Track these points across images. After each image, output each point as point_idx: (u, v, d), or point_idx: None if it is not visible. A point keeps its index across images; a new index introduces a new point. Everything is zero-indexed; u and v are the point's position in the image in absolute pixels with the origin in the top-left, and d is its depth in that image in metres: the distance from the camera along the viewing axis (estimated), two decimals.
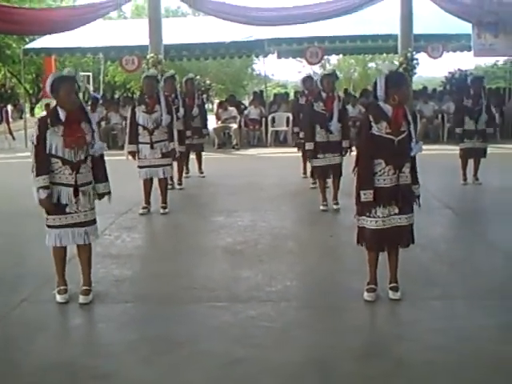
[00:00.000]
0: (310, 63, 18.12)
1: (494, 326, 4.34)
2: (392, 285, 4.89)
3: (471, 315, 4.57)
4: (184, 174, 10.47)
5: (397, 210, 4.68)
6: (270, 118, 17.21)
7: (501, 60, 30.00)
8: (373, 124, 4.63)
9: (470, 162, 9.92)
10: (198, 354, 3.99)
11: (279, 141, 17.42)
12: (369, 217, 4.72)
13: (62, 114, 4.70)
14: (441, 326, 4.35)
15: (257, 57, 24.63)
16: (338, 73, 8.79)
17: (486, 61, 36.84)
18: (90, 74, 23.56)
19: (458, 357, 3.88)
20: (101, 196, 4.99)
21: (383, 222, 4.68)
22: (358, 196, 4.69)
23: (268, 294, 5.05)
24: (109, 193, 5.02)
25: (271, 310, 4.72)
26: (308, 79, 9.86)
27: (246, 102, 21.69)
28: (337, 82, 8.16)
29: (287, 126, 16.81)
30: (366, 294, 4.87)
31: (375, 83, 4.70)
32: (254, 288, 5.18)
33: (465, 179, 9.92)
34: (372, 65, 37.97)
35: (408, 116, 4.69)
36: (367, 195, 4.64)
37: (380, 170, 4.66)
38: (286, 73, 70.09)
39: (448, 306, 4.77)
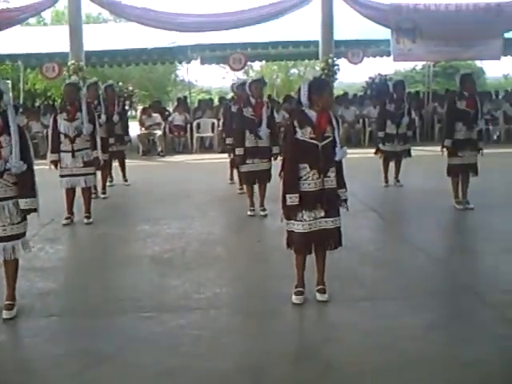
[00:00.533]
0: (234, 69, 18.18)
1: (420, 325, 4.45)
2: (319, 287, 4.96)
3: (398, 315, 4.67)
4: (108, 183, 10.31)
5: (323, 214, 4.74)
6: (194, 124, 17.15)
7: (419, 64, 30.96)
8: (297, 129, 4.69)
9: (392, 164, 10.17)
10: (127, 367, 3.92)
11: (205, 147, 17.38)
12: (296, 220, 4.77)
13: None
14: (369, 327, 4.43)
15: (180, 63, 24.48)
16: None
17: (405, 65, 38.05)
18: (9, 81, 22.87)
19: (386, 357, 3.95)
20: (25, 212, 4.74)
21: (309, 225, 4.74)
22: (284, 200, 4.74)
23: (197, 301, 5.01)
24: (35, 210, 4.77)
25: (201, 318, 4.69)
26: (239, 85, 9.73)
27: (171, 109, 21.54)
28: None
29: (212, 131, 16.83)
30: (294, 297, 4.91)
31: (299, 89, 4.77)
32: (183, 296, 5.13)
33: (386, 181, 10.18)
34: (294, 71, 38.33)
35: (333, 121, 4.76)
36: (293, 199, 4.68)
37: (305, 175, 4.71)
38: (209, 79, 70.07)
39: (375, 307, 4.86)
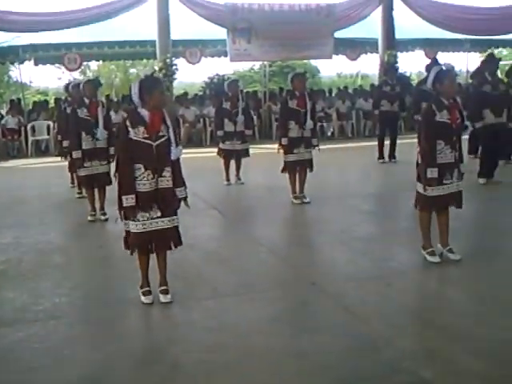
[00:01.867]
0: (69, 70, 17.68)
1: (263, 318, 4.57)
2: (162, 288, 4.94)
3: (242, 310, 4.77)
4: None
5: (159, 214, 4.72)
6: (29, 126, 16.44)
7: (257, 64, 31.61)
8: (130, 129, 4.62)
9: (232, 162, 10.33)
10: None
11: (41, 150, 16.71)
12: (132, 220, 4.72)
13: None
14: (214, 325, 4.47)
15: (12, 64, 23.35)
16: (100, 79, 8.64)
17: (244, 65, 38.67)
18: None
19: (232, 353, 4.01)
20: None
21: (143, 225, 4.71)
22: (120, 201, 4.67)
23: (35, 313, 4.80)
24: None
25: (40, 330, 4.51)
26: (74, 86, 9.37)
27: (3, 112, 20.46)
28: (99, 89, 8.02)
29: (48, 134, 16.24)
30: (143, 297, 4.88)
31: (130, 88, 4.72)
32: (20, 309, 4.90)
33: (228, 180, 10.31)
34: (134, 70, 37.84)
35: (167, 120, 4.74)
36: (129, 200, 4.63)
37: (140, 175, 4.67)
38: (46, 79, 67.09)
39: (219, 304, 4.91)
